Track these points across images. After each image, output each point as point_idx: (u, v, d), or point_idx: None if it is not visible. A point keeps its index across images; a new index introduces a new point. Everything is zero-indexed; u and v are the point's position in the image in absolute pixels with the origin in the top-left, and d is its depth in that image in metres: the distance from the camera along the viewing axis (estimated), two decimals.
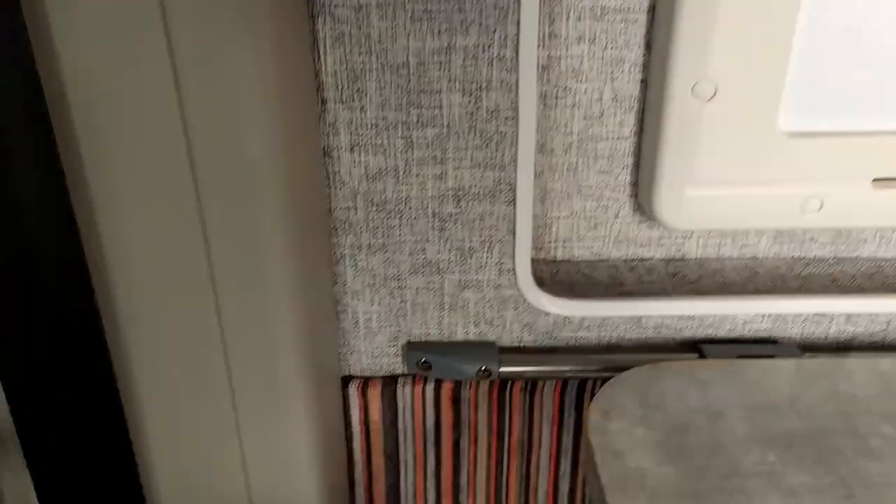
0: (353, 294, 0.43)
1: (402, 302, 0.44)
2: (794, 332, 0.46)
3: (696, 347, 0.46)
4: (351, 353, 0.45)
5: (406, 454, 0.48)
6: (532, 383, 0.46)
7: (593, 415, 0.39)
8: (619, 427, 0.38)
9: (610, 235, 0.46)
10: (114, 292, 0.37)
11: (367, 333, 0.45)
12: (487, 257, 0.43)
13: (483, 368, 0.45)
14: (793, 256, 0.46)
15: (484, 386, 0.46)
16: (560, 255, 0.46)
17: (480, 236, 0.43)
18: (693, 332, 0.46)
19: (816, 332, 0.46)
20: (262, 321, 0.38)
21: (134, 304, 0.37)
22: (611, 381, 0.41)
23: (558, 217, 0.44)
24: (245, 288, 0.37)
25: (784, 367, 0.42)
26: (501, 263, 0.43)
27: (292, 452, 0.44)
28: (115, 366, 0.38)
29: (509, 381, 0.46)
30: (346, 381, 0.46)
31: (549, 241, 0.45)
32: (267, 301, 0.38)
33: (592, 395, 0.47)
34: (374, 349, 0.45)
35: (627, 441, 0.37)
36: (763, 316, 0.46)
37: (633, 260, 0.47)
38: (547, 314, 0.45)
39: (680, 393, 0.40)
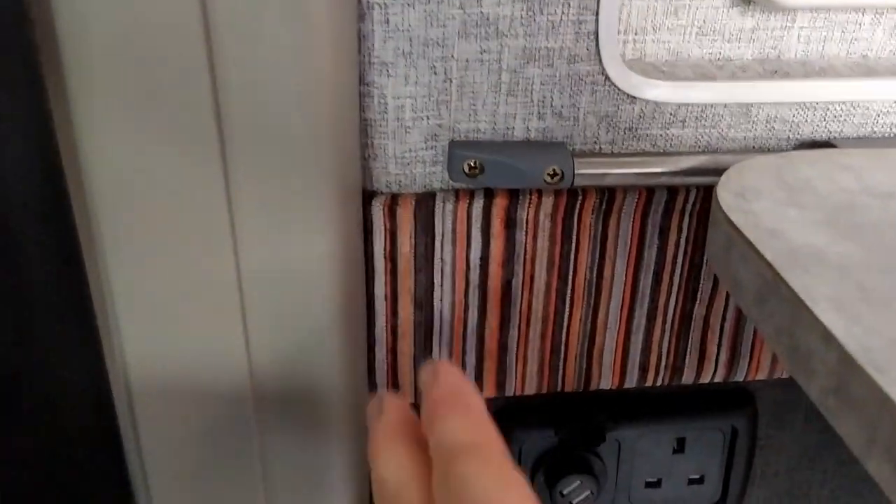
0: (381, 67, 0.32)
1: (445, 80, 0.33)
2: None
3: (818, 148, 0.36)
4: (375, 157, 0.34)
5: (443, 301, 0.37)
6: (608, 202, 0.36)
7: (726, 195, 0.29)
8: (764, 207, 0.28)
9: (692, 25, 0.35)
10: None
11: (399, 128, 0.34)
12: (563, 12, 0.32)
13: (553, 170, 0.34)
14: None
15: (547, 204, 0.36)
16: (630, 52, 0.35)
17: None
18: (814, 127, 0.36)
19: None
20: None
21: None
22: (730, 168, 0.31)
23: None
24: None
25: None
26: (580, 23, 0.33)
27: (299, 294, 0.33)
28: None
29: (578, 200, 0.36)
30: (368, 196, 0.35)
31: (618, 34, 0.35)
32: None
33: (683, 213, 0.37)
34: (405, 151, 0.34)
35: (781, 220, 0.27)
36: None
37: (719, 59, 0.37)
38: (633, 101, 0.34)
39: (827, 177, 0.31)
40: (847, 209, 0.28)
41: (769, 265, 0.24)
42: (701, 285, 0.39)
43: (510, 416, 0.42)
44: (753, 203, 0.28)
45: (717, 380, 0.42)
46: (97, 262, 0.31)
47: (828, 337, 0.21)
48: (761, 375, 0.42)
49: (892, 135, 0.37)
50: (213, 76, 0.29)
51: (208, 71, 0.29)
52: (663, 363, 0.41)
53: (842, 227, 0.27)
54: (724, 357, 0.41)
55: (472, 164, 0.34)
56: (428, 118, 0.34)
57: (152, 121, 0.29)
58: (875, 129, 0.36)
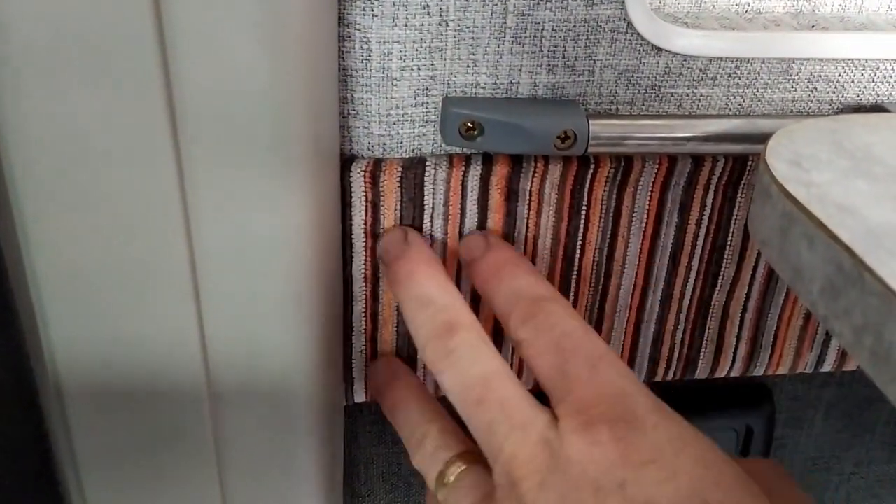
0: (364, 5, 0.27)
1: (441, 22, 0.28)
2: None
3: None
4: (356, 114, 0.29)
5: None
6: (623, 173, 0.31)
7: (779, 164, 0.24)
8: (829, 178, 0.23)
9: None
10: None
11: (384, 80, 0.29)
12: None
13: (565, 133, 0.29)
14: None
15: (554, 174, 0.31)
16: (648, 1, 0.30)
17: None
18: (861, 88, 0.31)
19: None
20: None
21: None
22: (778, 132, 0.26)
23: None
24: None
25: None
26: None
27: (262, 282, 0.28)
28: None
29: (590, 169, 0.31)
30: (347, 162, 0.30)
31: None
32: None
33: (708, 187, 0.32)
34: (391, 108, 0.29)
35: (851, 194, 0.22)
36: None
37: (748, 11, 0.32)
38: (658, 53, 0.29)
39: (892, 144, 0.26)
40: None
41: (846, 248, 0.19)
42: (723, 270, 0.34)
43: None
44: (814, 173, 0.23)
45: (734, 374, 0.37)
46: (16, 237, 0.26)
47: None
48: (782, 370, 0.38)
49: None
50: (156, 7, 0.23)
51: (151, 3, 0.23)
52: (676, 355, 0.36)
53: None
54: (742, 350, 0.37)
55: (470, 125, 0.29)
56: (419, 68, 0.29)
57: (79, 62, 0.24)
58: None
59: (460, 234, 0.32)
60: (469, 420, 0.28)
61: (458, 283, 0.32)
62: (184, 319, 0.28)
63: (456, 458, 0.29)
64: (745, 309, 0.36)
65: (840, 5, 0.33)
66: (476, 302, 0.33)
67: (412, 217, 0.31)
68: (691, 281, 0.35)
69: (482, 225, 0.32)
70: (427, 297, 0.29)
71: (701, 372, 0.37)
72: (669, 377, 0.37)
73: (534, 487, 0.25)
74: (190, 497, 0.31)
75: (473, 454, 0.29)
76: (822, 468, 0.44)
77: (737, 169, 0.32)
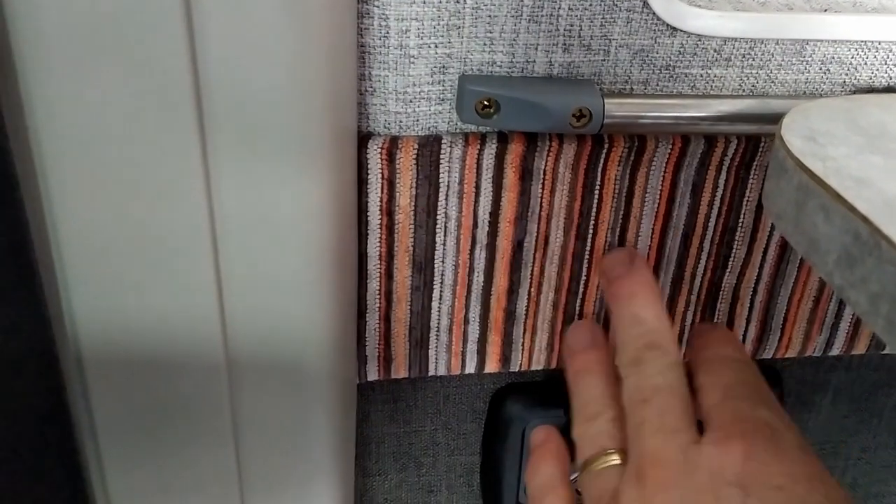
0: None
1: (458, 1, 0.28)
2: None
3: None
4: (373, 91, 0.30)
5: (444, 262, 0.33)
6: (637, 153, 0.31)
7: (794, 139, 0.24)
8: (844, 153, 0.23)
9: None
10: None
11: (401, 57, 0.29)
12: None
13: (580, 111, 0.29)
14: None
15: (568, 153, 0.31)
16: None
17: None
18: (874, 71, 0.32)
19: None
20: None
21: None
22: (793, 110, 0.27)
23: None
24: None
25: None
26: None
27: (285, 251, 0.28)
28: None
29: (604, 149, 0.31)
30: (364, 139, 0.30)
31: None
32: None
33: (721, 167, 0.32)
34: (408, 86, 0.29)
35: (867, 168, 0.23)
36: None
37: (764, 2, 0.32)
38: (673, 33, 0.30)
39: None
40: None
41: (864, 218, 0.20)
42: (734, 252, 0.35)
43: (516, 395, 0.38)
44: (829, 148, 0.23)
45: None
46: (42, 211, 0.26)
47: None
48: (791, 353, 0.38)
49: None
50: None
51: None
52: (686, 337, 0.37)
53: None
54: (752, 332, 0.37)
55: (486, 103, 0.29)
56: (436, 46, 0.29)
57: (106, 39, 0.24)
58: None
59: (475, 212, 0.32)
60: (629, 418, 0.29)
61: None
62: (204, 293, 0.28)
63: (616, 451, 0.30)
64: (755, 291, 0.36)
65: None
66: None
67: (427, 195, 0.31)
68: (702, 262, 0.35)
69: (496, 203, 0.32)
70: (640, 318, 0.31)
71: None
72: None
73: (658, 483, 0.26)
74: (206, 469, 0.32)
75: (628, 455, 0.30)
76: (829, 452, 0.44)
77: (749, 150, 0.32)
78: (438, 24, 0.28)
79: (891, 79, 0.32)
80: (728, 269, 0.35)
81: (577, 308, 0.35)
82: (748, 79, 0.31)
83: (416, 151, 0.30)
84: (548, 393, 0.38)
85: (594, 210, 0.33)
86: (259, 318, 0.29)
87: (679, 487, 0.26)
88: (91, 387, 0.28)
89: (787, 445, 0.27)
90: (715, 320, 0.36)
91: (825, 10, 0.31)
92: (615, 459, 0.29)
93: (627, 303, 0.32)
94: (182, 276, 0.28)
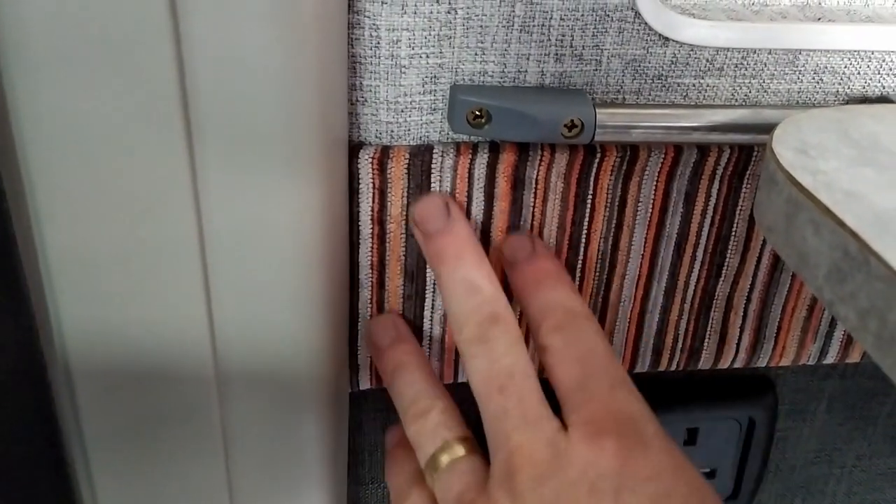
0: None
1: (450, 10, 0.28)
2: None
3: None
4: (364, 101, 0.29)
5: None
6: (629, 162, 0.31)
7: (785, 152, 0.24)
8: (835, 166, 0.23)
9: None
10: None
11: (393, 67, 0.29)
12: None
13: (572, 121, 0.29)
14: None
15: (560, 162, 0.31)
16: None
17: None
18: (867, 80, 0.31)
19: None
20: None
21: None
22: (784, 121, 0.27)
23: None
24: None
25: None
26: None
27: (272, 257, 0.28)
28: None
29: (596, 158, 0.31)
30: (355, 149, 0.30)
31: None
32: None
33: (713, 177, 0.32)
34: (400, 96, 0.29)
35: (857, 181, 0.23)
36: None
37: (754, 3, 0.32)
38: (665, 43, 0.30)
39: None
40: None
41: (852, 233, 0.20)
42: (727, 261, 0.34)
43: None
44: (820, 161, 0.23)
45: (737, 365, 0.37)
46: (28, 219, 0.26)
47: None
48: (785, 361, 0.38)
49: None
50: None
51: None
52: (679, 346, 0.36)
53: None
54: (746, 341, 0.37)
55: (478, 112, 0.29)
56: (427, 56, 0.29)
57: (93, 49, 0.24)
58: None
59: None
60: (485, 406, 0.28)
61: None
62: (193, 303, 0.28)
63: (456, 440, 0.29)
64: (748, 300, 0.36)
65: None
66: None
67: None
68: (696, 271, 0.35)
69: (488, 213, 0.32)
70: (476, 285, 0.30)
71: (704, 363, 0.37)
72: (673, 367, 0.37)
73: (530, 480, 0.26)
74: (196, 480, 0.32)
75: (472, 442, 0.29)
76: (824, 460, 0.44)
77: (742, 159, 0.32)
78: (429, 35, 0.28)
79: (884, 88, 0.32)
80: (721, 279, 0.35)
81: None
82: (741, 88, 0.31)
83: (407, 161, 0.30)
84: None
85: (587, 220, 0.33)
86: (249, 328, 0.29)
87: (552, 483, 0.26)
88: (80, 398, 0.28)
89: (650, 437, 0.27)
90: (708, 329, 0.36)
91: (818, 20, 0.31)
92: (460, 451, 0.29)
93: (455, 265, 0.30)
94: (171, 287, 0.27)
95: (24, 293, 0.25)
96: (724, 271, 0.35)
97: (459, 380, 0.36)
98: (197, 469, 0.31)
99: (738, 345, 0.37)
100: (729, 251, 0.34)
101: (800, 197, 0.22)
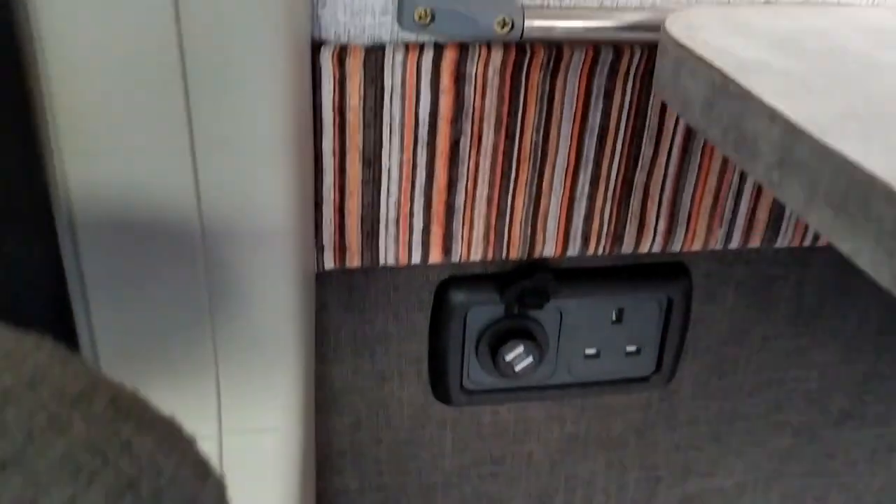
0: None
1: None
2: None
3: None
4: (325, 4, 0.34)
5: (391, 159, 0.37)
6: (556, 60, 0.36)
7: (674, 28, 0.29)
8: (713, 35, 0.29)
9: None
10: None
11: None
12: None
13: (504, 20, 0.34)
14: None
15: (496, 59, 0.36)
16: None
17: None
18: None
19: None
20: None
21: None
22: (676, 12, 0.32)
23: None
24: None
25: None
26: None
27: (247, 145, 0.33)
28: None
29: (527, 56, 0.36)
30: (317, 46, 0.35)
31: None
32: None
33: (628, 75, 0.38)
34: (356, 1, 0.34)
35: (729, 44, 0.28)
36: None
37: None
38: None
39: (770, 20, 0.32)
40: (789, 40, 0.29)
41: (719, 71, 0.25)
42: (642, 151, 0.40)
43: (458, 285, 0.43)
44: (702, 32, 0.29)
45: (654, 250, 0.43)
46: (40, 74, 0.30)
47: (774, 116, 0.22)
48: (696, 246, 0.43)
49: None
50: None
51: None
52: (605, 231, 0.42)
53: (785, 50, 0.28)
54: (662, 226, 0.42)
55: (423, 13, 0.34)
56: None
57: None
58: None
59: (416, 113, 0.37)
60: None
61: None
62: (181, 167, 0.32)
63: None
64: (663, 188, 0.41)
65: None
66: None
67: (374, 97, 0.36)
68: (616, 161, 0.40)
69: (435, 105, 0.37)
70: None
71: (626, 247, 0.43)
72: (600, 252, 0.42)
73: None
74: (182, 344, 0.36)
75: None
76: (734, 342, 0.50)
77: (652, 59, 0.37)
78: None
79: None
80: (639, 168, 0.40)
81: (509, 202, 0.40)
82: None
83: (363, 58, 0.35)
84: (486, 283, 0.43)
85: (520, 112, 0.38)
86: (230, 195, 0.34)
87: None
88: (81, 246, 0.32)
89: None
90: (629, 215, 0.42)
91: None
92: None
93: None
94: (161, 148, 0.32)
95: (39, 151, 0.29)
96: (640, 161, 0.40)
97: (413, 261, 0.40)
98: (183, 333, 0.35)
99: (655, 230, 0.42)
100: (643, 143, 0.40)
101: (683, 54, 0.27)
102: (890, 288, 0.18)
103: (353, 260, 0.39)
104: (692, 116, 0.26)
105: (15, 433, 0.14)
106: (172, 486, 0.15)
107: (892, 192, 0.18)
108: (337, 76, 0.35)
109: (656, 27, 0.36)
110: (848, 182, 0.19)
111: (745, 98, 0.24)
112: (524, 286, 0.41)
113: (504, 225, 0.40)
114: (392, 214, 0.39)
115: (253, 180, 0.33)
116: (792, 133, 0.21)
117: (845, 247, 0.19)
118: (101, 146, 0.30)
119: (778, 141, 0.22)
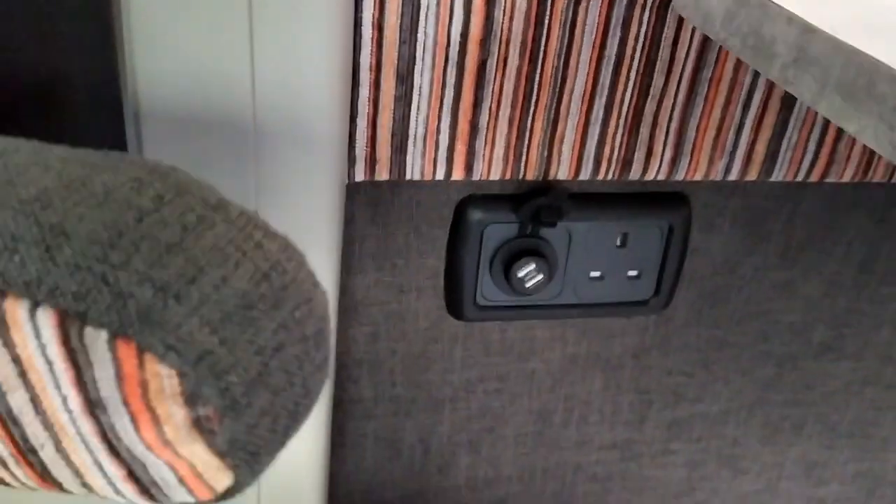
0: None
1: None
2: None
3: None
4: None
5: (422, 76, 0.40)
6: None
7: None
8: None
9: None
10: None
11: None
12: None
13: None
14: None
15: None
16: None
17: None
18: None
19: None
20: None
21: None
22: None
23: None
24: None
25: None
26: None
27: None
28: None
29: None
30: None
31: None
32: None
33: (645, 6, 0.40)
34: None
35: None
36: None
37: None
38: None
39: None
40: None
41: None
42: (654, 81, 0.43)
43: (476, 203, 0.46)
44: None
45: (660, 177, 0.46)
46: None
47: (791, 19, 0.25)
48: (698, 175, 0.46)
49: None
50: None
51: None
52: (615, 156, 0.45)
53: None
54: (668, 155, 0.45)
55: None
56: None
57: None
58: None
59: (449, 33, 0.39)
60: None
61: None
62: (239, 67, 0.35)
63: None
64: (671, 118, 0.44)
65: None
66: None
67: (411, 14, 0.38)
68: (629, 90, 0.43)
69: (466, 26, 0.39)
70: None
71: (634, 173, 0.46)
72: (610, 177, 0.45)
73: None
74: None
75: None
76: (727, 271, 0.53)
77: None
78: None
79: None
80: (649, 97, 0.43)
81: (529, 124, 0.42)
82: None
83: None
84: (503, 203, 0.46)
85: (544, 37, 0.40)
86: (282, 98, 0.36)
87: None
88: (145, 136, 0.34)
89: None
90: (637, 143, 0.45)
91: None
92: None
93: None
94: (221, 46, 0.34)
95: (112, 40, 0.32)
96: (651, 91, 0.43)
97: (437, 176, 0.43)
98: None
99: (661, 158, 0.45)
100: (655, 73, 0.43)
101: None
102: (891, 158, 0.21)
103: (383, 173, 0.42)
104: (712, 28, 0.29)
105: (174, 225, 0.17)
106: (294, 285, 0.18)
107: (894, 74, 0.21)
108: None
109: None
110: (857, 70, 0.22)
111: (764, 7, 0.26)
112: (540, 203, 0.44)
113: (523, 146, 0.43)
114: (420, 131, 0.42)
115: (304, 84, 0.36)
116: (808, 32, 0.24)
117: (851, 127, 0.22)
118: (169, 40, 0.33)
119: (794, 41, 0.25)
